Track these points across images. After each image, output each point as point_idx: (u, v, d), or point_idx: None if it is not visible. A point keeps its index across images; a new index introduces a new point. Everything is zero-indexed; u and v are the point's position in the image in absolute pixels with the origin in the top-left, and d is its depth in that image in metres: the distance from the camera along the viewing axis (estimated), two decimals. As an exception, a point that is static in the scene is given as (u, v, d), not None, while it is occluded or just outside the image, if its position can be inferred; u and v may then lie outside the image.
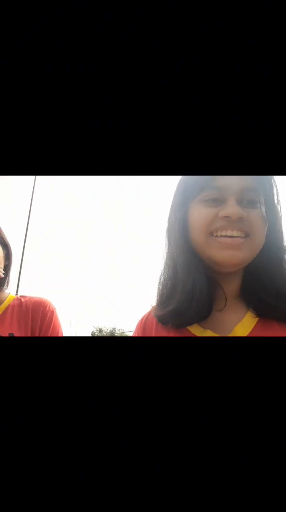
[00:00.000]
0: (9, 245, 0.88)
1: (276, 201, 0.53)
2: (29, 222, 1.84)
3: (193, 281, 0.52)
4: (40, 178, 1.91)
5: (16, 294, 0.89)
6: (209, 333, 0.53)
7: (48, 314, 0.83)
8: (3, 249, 0.86)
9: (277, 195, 0.53)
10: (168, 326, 0.56)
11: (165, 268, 0.58)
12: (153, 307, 0.60)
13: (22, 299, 0.86)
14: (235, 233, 0.49)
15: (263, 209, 0.50)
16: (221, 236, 0.49)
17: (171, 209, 0.58)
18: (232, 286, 0.54)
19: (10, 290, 0.90)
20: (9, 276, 0.89)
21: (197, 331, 0.54)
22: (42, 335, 0.80)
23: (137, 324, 0.63)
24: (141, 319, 0.62)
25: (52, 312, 0.84)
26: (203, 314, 0.52)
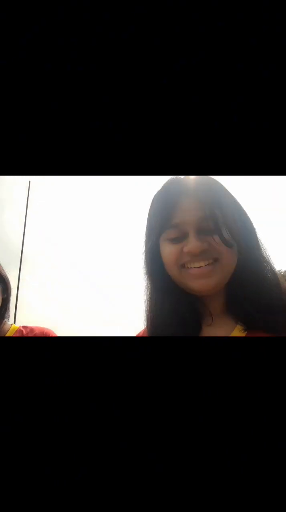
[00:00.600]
0: (6, 277, 0.88)
1: (239, 218, 0.53)
2: (25, 231, 1.83)
3: (170, 304, 0.54)
4: (35, 180, 1.90)
5: (12, 322, 0.90)
6: None
7: None
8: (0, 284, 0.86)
9: (238, 214, 0.54)
10: None
11: (146, 295, 0.60)
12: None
13: (24, 330, 0.86)
14: (202, 263, 0.50)
15: (224, 231, 0.50)
16: (191, 267, 0.51)
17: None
18: (217, 302, 0.55)
19: (11, 321, 0.90)
20: (9, 308, 0.89)
21: None
22: None
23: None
24: (137, 335, 0.63)
25: None
26: (193, 332, 0.54)
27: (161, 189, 0.55)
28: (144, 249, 0.58)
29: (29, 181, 1.91)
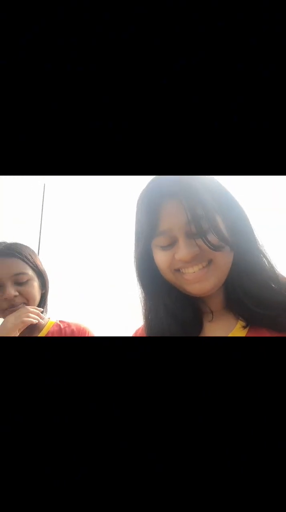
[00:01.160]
0: (44, 272, 0.87)
1: (229, 212, 0.51)
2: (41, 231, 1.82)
3: (166, 309, 0.53)
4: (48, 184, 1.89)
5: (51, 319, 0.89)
6: None
7: None
8: (38, 278, 0.84)
9: (227, 208, 0.52)
10: None
11: (141, 303, 0.59)
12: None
13: (61, 325, 0.86)
14: (196, 268, 0.49)
15: (211, 235, 0.48)
16: (185, 273, 0.50)
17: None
18: (216, 299, 0.54)
19: (49, 316, 0.90)
20: (47, 303, 0.89)
21: None
22: None
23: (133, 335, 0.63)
24: (136, 332, 0.63)
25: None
26: (194, 330, 0.53)
27: (143, 193, 0.53)
28: (134, 254, 0.56)
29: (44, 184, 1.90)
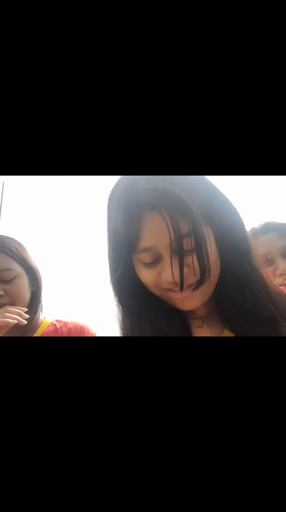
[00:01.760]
0: (35, 268, 0.77)
1: (227, 221, 0.48)
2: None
3: (149, 322, 0.50)
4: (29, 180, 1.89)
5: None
6: None
7: None
8: (28, 274, 0.75)
9: (223, 214, 0.48)
10: None
11: (120, 318, 0.54)
12: None
13: (58, 325, 0.80)
14: (184, 287, 0.45)
15: (206, 249, 0.44)
16: (173, 291, 0.46)
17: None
18: (204, 306, 0.50)
19: (44, 315, 0.83)
20: (41, 301, 0.80)
21: None
22: None
23: None
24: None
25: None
26: (182, 334, 0.50)
27: (116, 195, 0.48)
28: (113, 274, 0.50)
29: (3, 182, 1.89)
